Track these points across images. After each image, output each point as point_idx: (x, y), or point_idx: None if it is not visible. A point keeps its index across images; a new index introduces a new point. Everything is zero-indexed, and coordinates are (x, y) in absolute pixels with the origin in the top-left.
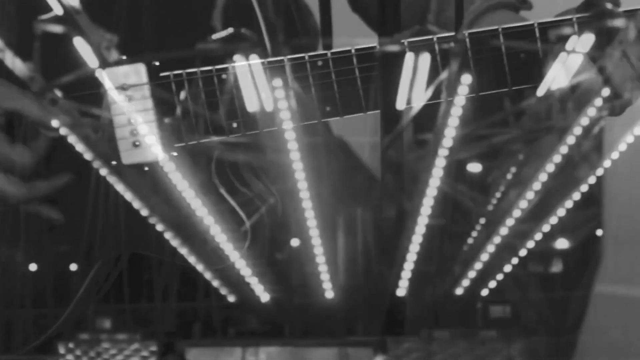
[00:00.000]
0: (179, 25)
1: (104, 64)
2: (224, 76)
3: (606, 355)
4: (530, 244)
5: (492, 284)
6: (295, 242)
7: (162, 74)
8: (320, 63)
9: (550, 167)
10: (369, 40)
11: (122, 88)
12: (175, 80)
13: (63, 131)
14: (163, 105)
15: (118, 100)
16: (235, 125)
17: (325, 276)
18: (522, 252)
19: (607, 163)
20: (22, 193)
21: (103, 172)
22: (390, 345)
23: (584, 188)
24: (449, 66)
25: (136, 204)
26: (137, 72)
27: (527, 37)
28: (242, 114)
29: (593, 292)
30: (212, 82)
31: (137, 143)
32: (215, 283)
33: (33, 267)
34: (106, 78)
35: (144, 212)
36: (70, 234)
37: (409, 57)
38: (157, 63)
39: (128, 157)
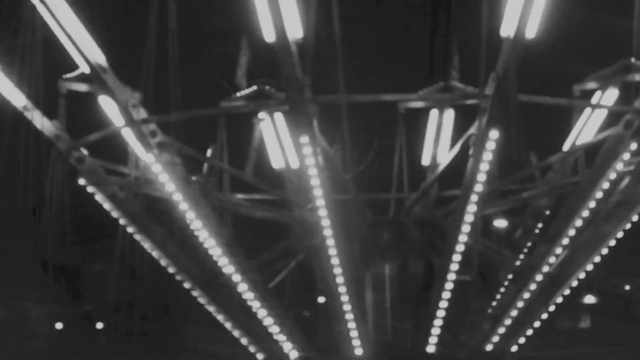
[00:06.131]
0: (205, 83)
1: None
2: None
3: None
4: (559, 300)
5: (522, 340)
6: (322, 299)
7: None
8: None
9: (578, 222)
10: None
11: None
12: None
13: (90, 189)
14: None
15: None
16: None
17: (354, 333)
18: (551, 308)
19: (635, 217)
20: None
21: (130, 229)
22: None
23: (612, 243)
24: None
25: (163, 262)
26: None
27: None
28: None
29: None
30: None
31: None
32: (244, 341)
33: None
34: None
35: (171, 270)
36: None
37: (434, 113)
38: None
39: None
